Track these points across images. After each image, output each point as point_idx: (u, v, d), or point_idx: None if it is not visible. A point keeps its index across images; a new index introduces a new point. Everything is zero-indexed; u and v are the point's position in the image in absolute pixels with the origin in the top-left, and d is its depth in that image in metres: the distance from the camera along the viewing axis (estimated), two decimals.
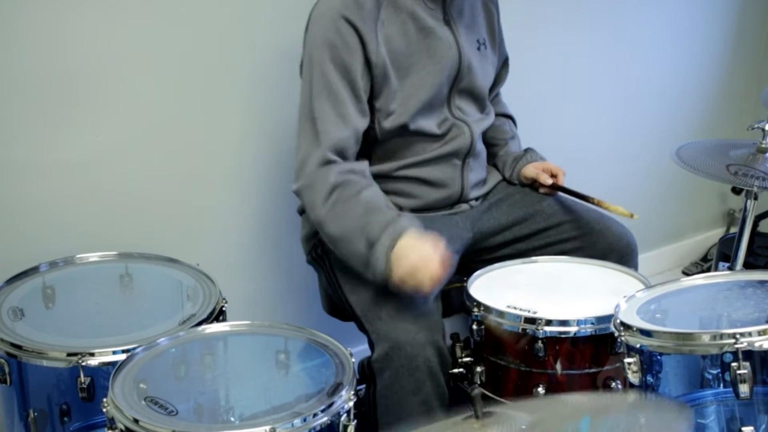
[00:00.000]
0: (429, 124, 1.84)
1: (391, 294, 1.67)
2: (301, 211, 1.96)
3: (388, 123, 1.79)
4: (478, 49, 1.91)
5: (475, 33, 1.91)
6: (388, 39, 1.76)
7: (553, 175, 1.98)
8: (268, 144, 2.16)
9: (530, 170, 2.00)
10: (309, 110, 1.74)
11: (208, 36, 2.00)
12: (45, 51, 1.81)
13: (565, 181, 2.00)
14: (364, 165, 1.79)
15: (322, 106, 1.72)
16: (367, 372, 1.70)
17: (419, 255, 1.60)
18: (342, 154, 1.73)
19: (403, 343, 1.61)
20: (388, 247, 1.61)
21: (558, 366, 1.64)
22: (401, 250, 1.61)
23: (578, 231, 1.93)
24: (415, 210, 1.88)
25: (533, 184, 2.01)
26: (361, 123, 1.76)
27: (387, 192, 1.83)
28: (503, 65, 2.09)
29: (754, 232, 2.84)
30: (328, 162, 1.71)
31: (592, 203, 1.94)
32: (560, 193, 2.01)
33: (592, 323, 1.62)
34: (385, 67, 1.75)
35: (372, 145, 1.84)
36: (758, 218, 2.94)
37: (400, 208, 1.87)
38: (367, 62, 1.74)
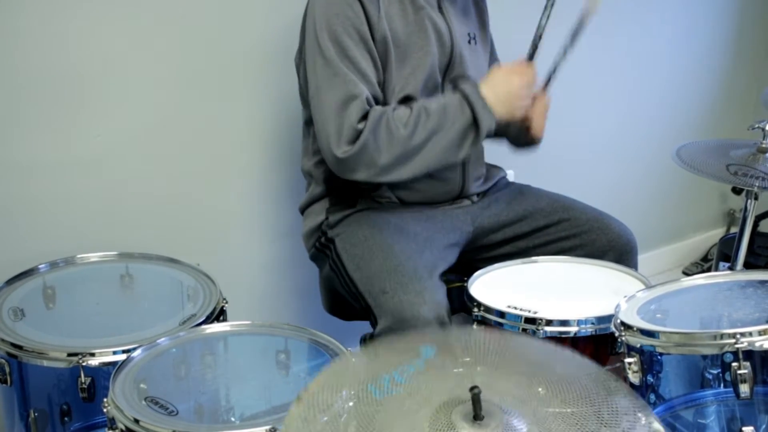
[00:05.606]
0: None
1: (395, 269, 1.67)
2: (303, 209, 1.96)
3: (392, 102, 1.78)
4: (469, 42, 1.92)
5: (466, 26, 1.92)
6: (389, 17, 1.76)
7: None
8: (268, 143, 2.16)
9: None
10: (332, 74, 1.69)
11: (205, 36, 2.00)
12: (45, 51, 1.81)
13: (565, 181, 2.00)
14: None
15: (342, 70, 1.69)
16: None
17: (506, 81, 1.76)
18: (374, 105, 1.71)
19: (408, 318, 1.60)
20: (481, 99, 1.71)
21: None
22: (492, 93, 1.73)
23: (578, 229, 1.93)
24: (416, 204, 1.88)
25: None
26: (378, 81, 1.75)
27: (389, 185, 1.84)
28: None
29: (754, 232, 2.84)
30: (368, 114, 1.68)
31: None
32: (560, 192, 2.01)
33: (593, 323, 1.61)
34: (386, 44, 1.76)
35: None
36: (758, 218, 2.94)
37: (402, 202, 1.88)
38: (372, 37, 1.74)
